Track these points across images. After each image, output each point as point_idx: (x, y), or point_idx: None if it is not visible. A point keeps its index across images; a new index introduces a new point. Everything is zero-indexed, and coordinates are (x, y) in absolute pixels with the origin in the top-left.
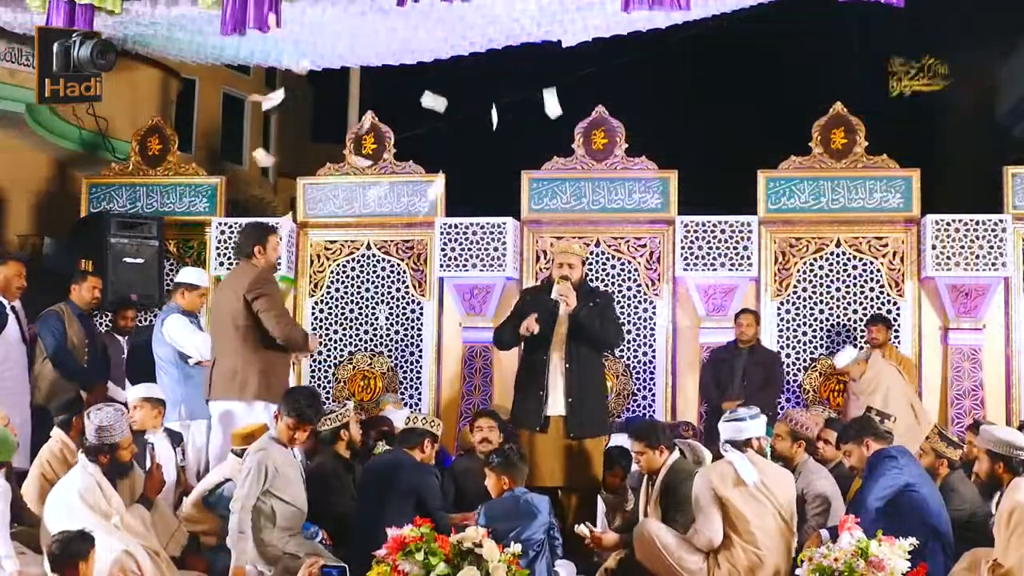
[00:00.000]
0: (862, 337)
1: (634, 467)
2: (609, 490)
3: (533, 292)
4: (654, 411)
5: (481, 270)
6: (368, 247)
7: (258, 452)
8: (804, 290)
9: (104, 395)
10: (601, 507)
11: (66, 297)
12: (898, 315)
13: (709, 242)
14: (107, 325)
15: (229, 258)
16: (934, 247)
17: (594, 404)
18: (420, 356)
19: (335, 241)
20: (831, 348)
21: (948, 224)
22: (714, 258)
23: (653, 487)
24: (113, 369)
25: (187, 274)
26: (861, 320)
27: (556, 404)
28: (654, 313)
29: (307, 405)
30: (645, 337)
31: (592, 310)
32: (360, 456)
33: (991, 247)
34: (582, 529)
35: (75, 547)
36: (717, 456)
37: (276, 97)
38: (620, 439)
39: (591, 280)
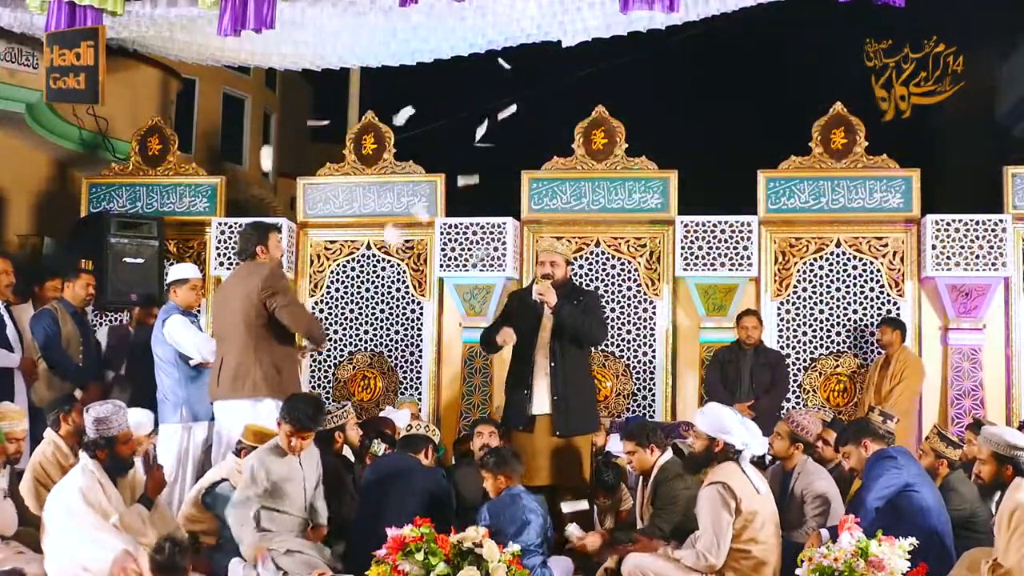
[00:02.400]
0: (863, 338)
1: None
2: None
3: (520, 293)
4: (654, 411)
5: (481, 270)
6: (368, 247)
7: (254, 459)
8: (804, 290)
9: (99, 394)
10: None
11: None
12: (898, 315)
13: (709, 242)
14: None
15: (229, 258)
16: (934, 247)
17: (580, 402)
18: (420, 356)
19: (335, 241)
20: (831, 348)
21: (948, 224)
22: (714, 258)
23: (647, 488)
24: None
25: (175, 271)
26: (861, 320)
27: (541, 403)
28: (654, 313)
29: (305, 414)
30: (645, 337)
31: (574, 308)
32: (358, 456)
33: (991, 247)
34: (571, 531)
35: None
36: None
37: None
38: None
39: (592, 280)
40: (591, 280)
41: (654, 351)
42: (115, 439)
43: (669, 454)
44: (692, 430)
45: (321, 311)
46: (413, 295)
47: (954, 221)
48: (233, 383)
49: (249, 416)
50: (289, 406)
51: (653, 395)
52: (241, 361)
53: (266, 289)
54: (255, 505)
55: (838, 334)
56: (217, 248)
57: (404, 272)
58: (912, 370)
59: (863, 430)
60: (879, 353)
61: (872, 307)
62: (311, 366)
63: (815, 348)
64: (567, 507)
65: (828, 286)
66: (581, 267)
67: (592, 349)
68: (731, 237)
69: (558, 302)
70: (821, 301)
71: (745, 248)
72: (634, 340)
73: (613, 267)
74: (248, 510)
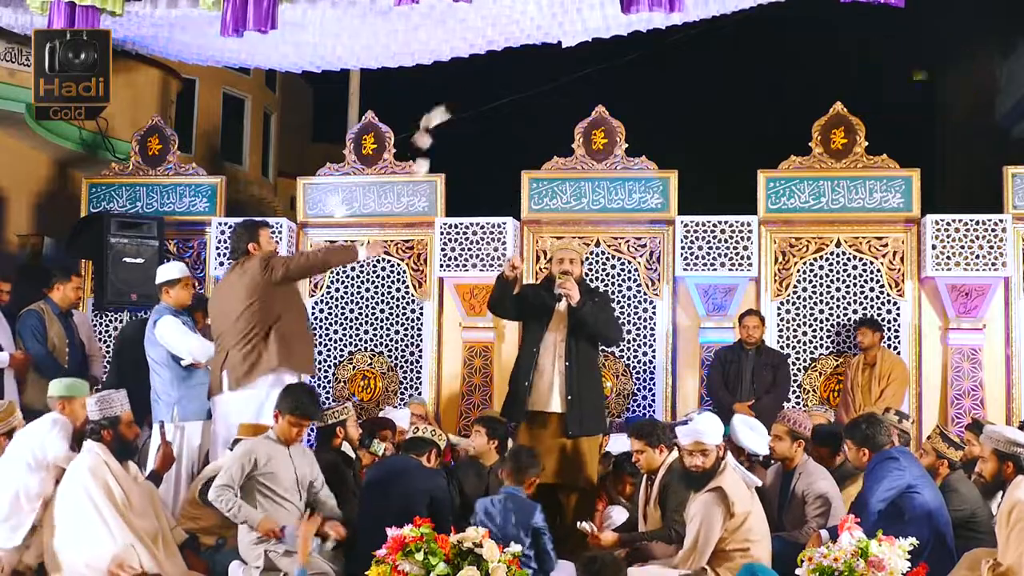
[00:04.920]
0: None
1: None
2: (625, 497)
3: (532, 288)
4: (654, 411)
5: (481, 270)
6: None
7: (245, 446)
8: (804, 290)
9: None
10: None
11: (45, 296)
12: (898, 315)
13: (709, 242)
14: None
15: (229, 258)
16: (934, 247)
17: (592, 402)
18: (420, 356)
19: (335, 241)
20: (831, 348)
21: (948, 224)
22: (714, 258)
23: (652, 487)
24: None
25: (164, 272)
26: None
27: (553, 401)
28: (654, 313)
29: (305, 400)
30: (645, 337)
31: (594, 306)
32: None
33: (991, 247)
34: (584, 526)
35: None
36: None
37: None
38: (619, 440)
39: (592, 280)
40: (591, 280)
41: (654, 351)
42: (118, 419)
43: (676, 453)
44: (696, 448)
45: (321, 311)
46: (413, 295)
47: (954, 221)
48: (244, 368)
49: (253, 406)
50: (289, 396)
51: (653, 395)
52: (245, 349)
53: (266, 267)
54: (235, 489)
55: (838, 334)
56: (217, 248)
57: (404, 272)
58: (900, 370)
59: (867, 440)
60: (854, 354)
61: (872, 307)
62: None
63: (815, 348)
64: (583, 525)
65: (828, 286)
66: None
67: (601, 349)
68: (731, 237)
69: (580, 299)
70: (821, 301)
71: (745, 248)
72: (634, 340)
73: (613, 267)
74: (228, 496)
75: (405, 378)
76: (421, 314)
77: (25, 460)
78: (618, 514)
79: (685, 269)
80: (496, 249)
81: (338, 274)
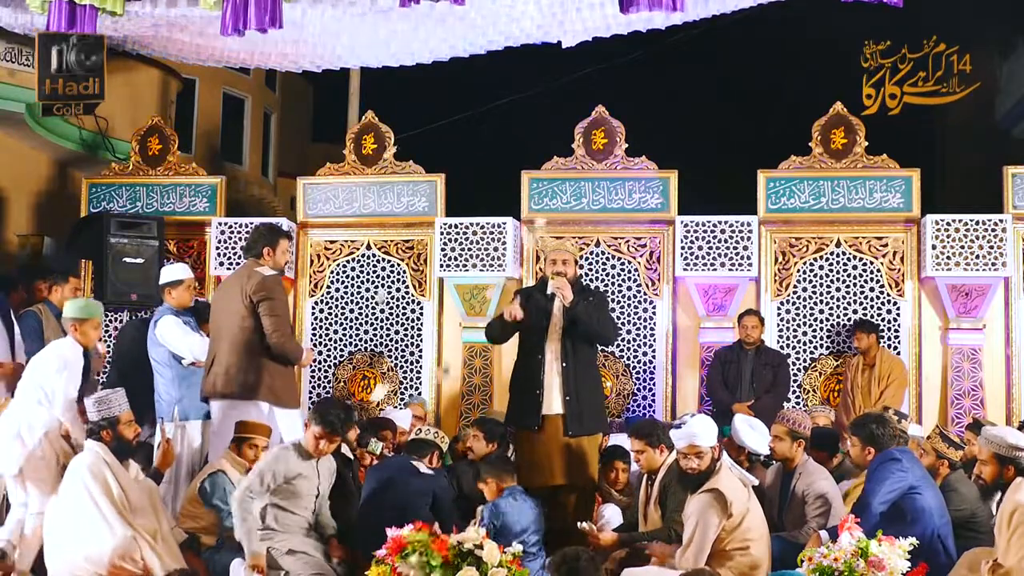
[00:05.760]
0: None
1: (633, 466)
2: (618, 489)
3: (527, 291)
4: (654, 411)
5: (481, 270)
6: (368, 247)
7: (272, 455)
8: (804, 290)
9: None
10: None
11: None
12: (898, 315)
13: (709, 242)
14: None
15: (229, 258)
16: (934, 247)
17: (591, 401)
18: (420, 356)
19: (335, 241)
20: (831, 348)
21: (948, 224)
22: (714, 258)
23: (652, 487)
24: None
25: (168, 273)
26: None
27: (553, 403)
28: (654, 313)
29: (338, 418)
30: (645, 337)
31: (588, 305)
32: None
33: (991, 247)
34: (584, 527)
35: None
36: None
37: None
38: (620, 439)
39: (592, 280)
40: (591, 280)
41: (654, 351)
42: (117, 420)
43: (676, 454)
44: (691, 451)
45: (321, 311)
46: (413, 295)
47: (954, 221)
48: (226, 383)
49: (240, 413)
50: (322, 410)
51: (653, 395)
52: (232, 362)
53: (260, 291)
54: (257, 503)
55: (838, 334)
56: (217, 248)
57: (404, 272)
58: (900, 370)
59: (872, 440)
60: (853, 354)
61: (872, 307)
62: (311, 366)
63: (815, 348)
64: (583, 525)
65: (828, 286)
66: (581, 267)
67: (599, 348)
68: (731, 237)
69: (574, 298)
70: (821, 301)
71: (745, 248)
72: (634, 340)
73: (613, 267)
74: (248, 507)
75: (405, 378)
76: (421, 314)
77: (36, 397)
78: (611, 512)
79: (685, 269)
80: (496, 249)
81: (338, 274)
